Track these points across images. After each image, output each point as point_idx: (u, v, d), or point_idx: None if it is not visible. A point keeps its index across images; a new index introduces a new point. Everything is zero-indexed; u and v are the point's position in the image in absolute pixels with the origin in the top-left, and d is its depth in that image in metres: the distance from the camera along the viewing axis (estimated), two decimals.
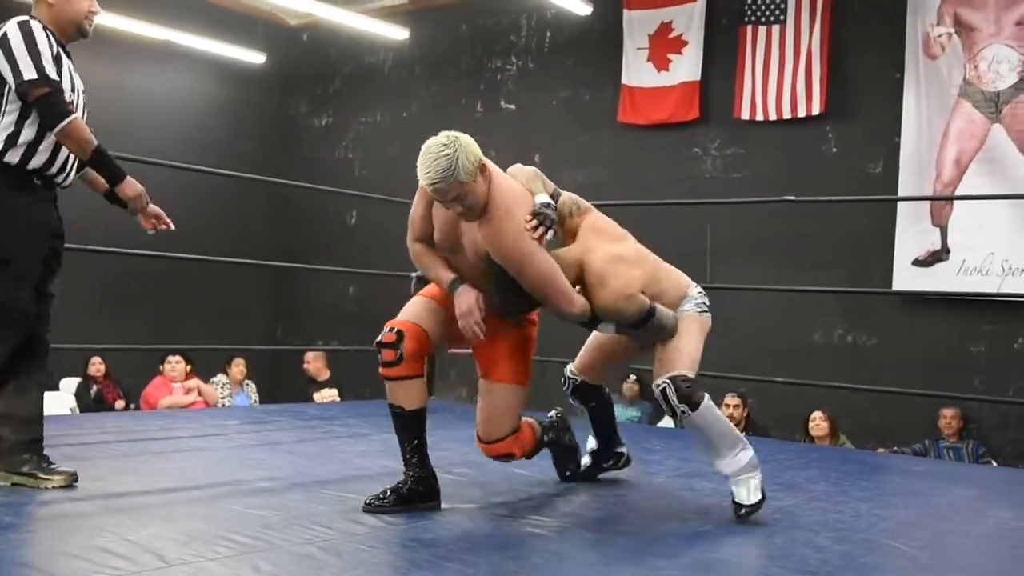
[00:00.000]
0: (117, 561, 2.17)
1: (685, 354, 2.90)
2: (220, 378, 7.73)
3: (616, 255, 2.91)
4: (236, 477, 3.21)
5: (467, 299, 2.81)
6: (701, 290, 3.06)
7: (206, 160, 7.07)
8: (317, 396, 7.61)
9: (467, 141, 2.70)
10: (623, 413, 7.00)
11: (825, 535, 2.76)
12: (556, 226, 2.84)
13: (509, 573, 2.33)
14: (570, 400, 3.36)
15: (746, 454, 2.88)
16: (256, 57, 9.55)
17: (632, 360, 3.39)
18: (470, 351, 3.06)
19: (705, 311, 3.01)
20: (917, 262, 6.74)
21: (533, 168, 3.03)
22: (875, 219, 6.87)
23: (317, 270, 9.14)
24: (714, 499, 3.23)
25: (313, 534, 2.51)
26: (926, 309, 6.76)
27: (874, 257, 6.87)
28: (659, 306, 2.89)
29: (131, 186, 3.03)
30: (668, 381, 2.85)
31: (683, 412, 2.83)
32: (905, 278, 6.75)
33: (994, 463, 6.16)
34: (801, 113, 7.22)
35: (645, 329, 2.89)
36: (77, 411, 7.18)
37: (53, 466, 2.92)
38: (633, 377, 7.40)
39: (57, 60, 2.87)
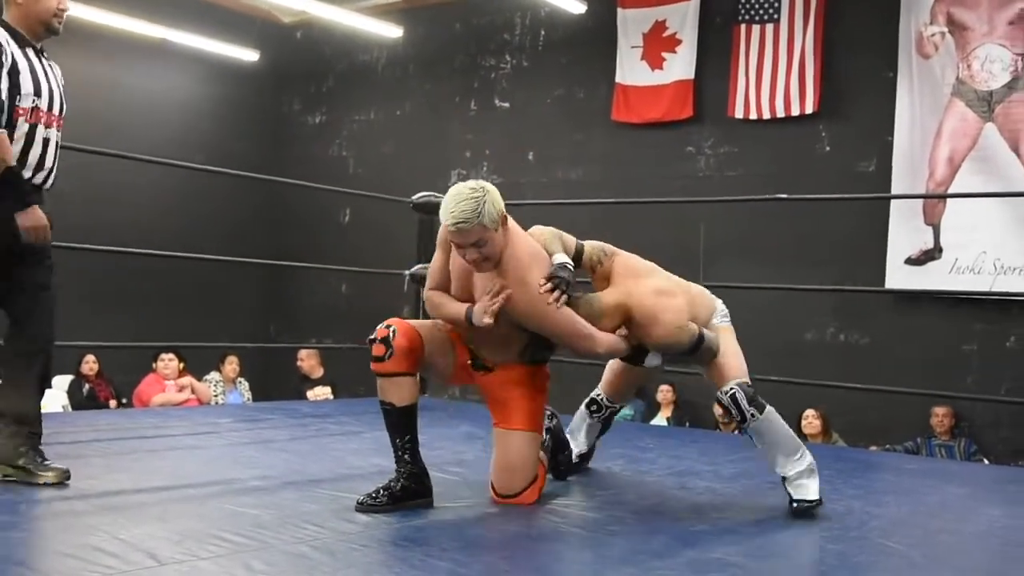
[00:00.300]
0: (109, 560, 2.17)
1: (736, 364, 3.03)
2: (213, 376, 7.73)
3: (657, 289, 2.98)
4: (229, 476, 3.20)
5: (482, 312, 2.84)
6: (722, 302, 3.19)
7: (199, 158, 7.07)
8: (310, 394, 7.61)
9: (494, 191, 2.75)
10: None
11: (818, 533, 2.76)
12: (571, 287, 2.84)
13: (501, 573, 2.33)
14: (588, 413, 3.44)
15: (806, 458, 2.97)
16: (250, 55, 9.54)
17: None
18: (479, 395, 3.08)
19: (728, 320, 3.16)
20: (910, 261, 6.75)
21: (552, 228, 3.06)
22: (868, 218, 6.89)
23: (310, 268, 9.14)
24: (707, 497, 3.24)
25: (306, 533, 2.50)
26: (919, 308, 6.78)
27: (867, 256, 6.88)
28: (704, 330, 2.99)
29: (29, 216, 2.88)
30: (736, 387, 2.95)
31: (752, 415, 2.93)
32: (898, 277, 6.76)
33: (986, 461, 6.17)
34: (795, 112, 7.23)
35: (696, 354, 2.97)
36: (69, 409, 7.17)
37: (47, 463, 2.91)
38: None
39: (12, 70, 2.87)
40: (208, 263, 8.94)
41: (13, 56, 2.90)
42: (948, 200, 6.67)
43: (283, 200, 10.00)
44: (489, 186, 2.75)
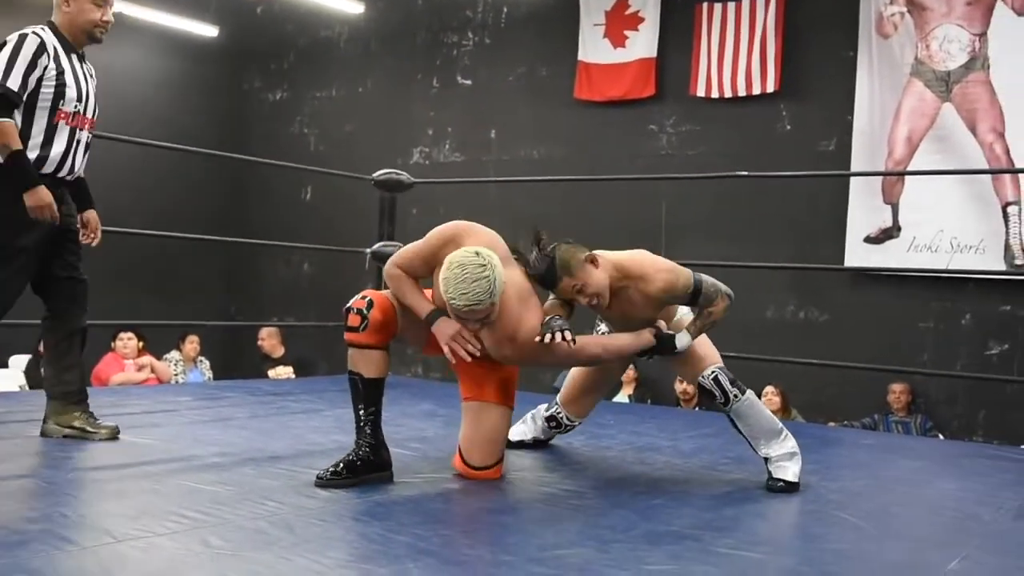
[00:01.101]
0: (65, 532, 2.15)
1: (711, 351, 3.06)
2: (173, 355, 7.67)
3: (630, 252, 2.97)
4: (188, 453, 3.18)
5: (449, 325, 2.76)
6: None
7: (157, 135, 6.96)
8: (272, 373, 7.58)
9: (495, 257, 2.67)
10: None
11: (774, 506, 2.80)
12: (567, 325, 2.81)
13: (461, 547, 2.34)
14: (547, 427, 3.44)
15: (789, 441, 3.01)
16: (209, 30, 9.42)
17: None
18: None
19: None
20: (868, 239, 6.83)
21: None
22: (828, 197, 6.95)
23: (271, 246, 9.08)
24: (666, 472, 3.27)
25: (264, 509, 2.50)
26: (877, 286, 6.86)
27: (827, 234, 6.95)
28: (698, 273, 2.96)
29: (34, 196, 3.11)
30: (718, 370, 2.99)
31: (735, 396, 2.97)
32: (857, 255, 6.84)
33: (941, 436, 6.28)
34: (756, 91, 7.27)
35: (703, 301, 2.93)
36: (27, 389, 7.08)
37: (98, 421, 3.33)
38: None
39: (59, 79, 3.15)
40: (167, 241, 8.86)
41: (61, 64, 3.17)
42: (907, 179, 6.74)
43: (244, 178, 9.91)
44: (490, 254, 2.65)
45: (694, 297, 2.93)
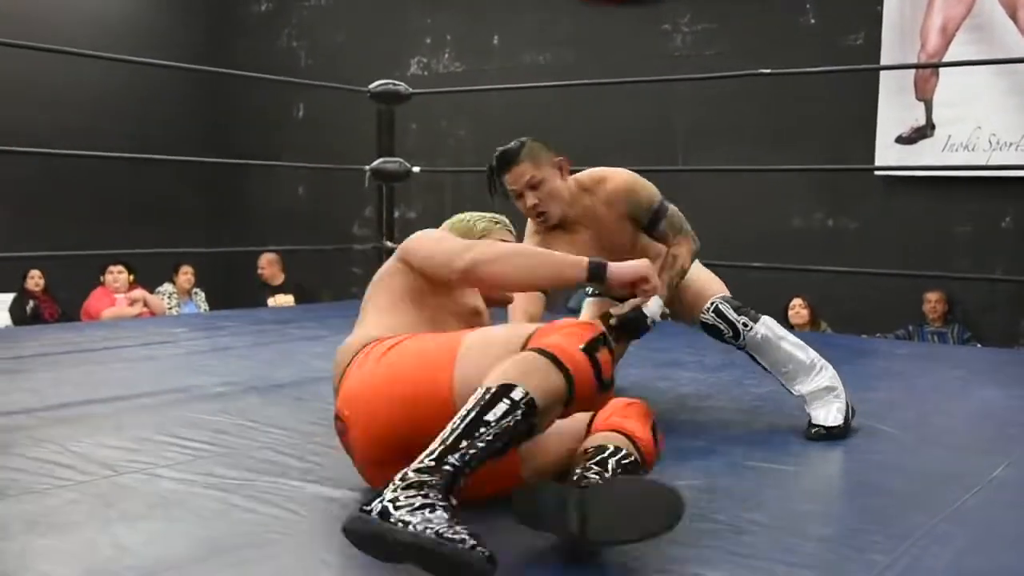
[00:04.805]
0: (64, 472, 2.17)
1: (714, 283, 2.84)
2: (167, 287, 7.68)
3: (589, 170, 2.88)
4: (187, 383, 3.20)
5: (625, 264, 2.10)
6: None
7: (138, 51, 6.87)
8: (271, 302, 7.58)
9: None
10: None
11: (806, 419, 2.80)
12: None
13: None
14: None
15: (826, 373, 2.73)
16: None
17: None
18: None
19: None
20: (900, 139, 6.74)
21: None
22: (856, 95, 6.84)
23: (264, 169, 9.03)
24: (691, 388, 3.27)
25: (270, 437, 2.51)
26: (910, 189, 6.79)
27: (855, 136, 6.85)
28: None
29: None
30: (718, 299, 2.77)
31: (745, 325, 2.73)
32: (888, 157, 6.76)
33: (979, 346, 6.27)
34: None
35: (666, 228, 2.76)
36: (12, 326, 7.11)
37: None
38: None
39: None
40: (157, 170, 8.81)
41: None
42: (941, 73, 6.63)
43: (231, 96, 9.80)
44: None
45: (657, 217, 2.76)
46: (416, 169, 5.61)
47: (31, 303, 7.51)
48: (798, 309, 6.57)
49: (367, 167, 5.56)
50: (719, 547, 1.76)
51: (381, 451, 1.91)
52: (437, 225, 2.38)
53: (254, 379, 3.29)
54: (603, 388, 1.77)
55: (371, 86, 5.56)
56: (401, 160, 5.59)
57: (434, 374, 1.87)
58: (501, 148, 2.74)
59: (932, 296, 6.56)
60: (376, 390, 1.92)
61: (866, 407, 2.97)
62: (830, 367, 2.75)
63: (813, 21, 7.10)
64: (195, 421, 2.66)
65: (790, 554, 1.73)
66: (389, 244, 5.54)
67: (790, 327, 6.46)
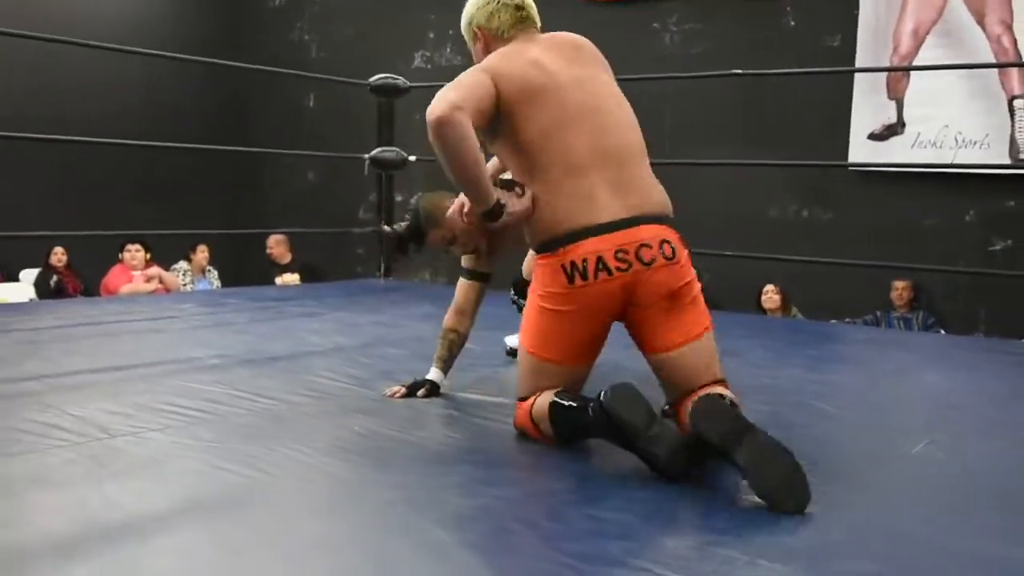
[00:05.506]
0: (61, 433, 2.25)
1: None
2: (182, 264, 7.76)
3: None
4: (186, 355, 3.27)
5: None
6: None
7: (155, 44, 6.93)
8: (279, 280, 7.66)
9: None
10: None
11: (756, 397, 2.86)
12: None
13: (446, 438, 2.42)
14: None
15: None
16: None
17: None
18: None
19: None
20: (872, 136, 6.78)
21: None
22: (832, 94, 6.88)
23: (277, 155, 9.10)
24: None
25: (258, 405, 2.59)
26: (880, 183, 6.83)
27: (830, 133, 6.90)
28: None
29: None
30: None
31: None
32: (861, 152, 6.80)
33: (942, 332, 6.33)
34: None
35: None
36: (37, 300, 7.20)
37: None
38: None
39: None
40: (172, 154, 8.88)
41: None
42: (912, 74, 6.66)
43: (246, 87, 9.86)
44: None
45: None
46: (412, 158, 5.68)
47: (55, 278, 7.60)
48: (771, 295, 6.63)
49: (366, 156, 5.63)
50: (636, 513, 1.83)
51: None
52: None
53: (250, 352, 3.36)
54: None
55: (371, 80, 5.61)
56: (398, 149, 5.65)
57: None
58: (400, 233, 2.77)
59: (899, 284, 6.61)
60: None
61: (815, 388, 3.04)
62: None
63: (793, 23, 7.14)
64: (189, 390, 2.73)
65: (713, 519, 1.81)
66: (387, 228, 5.61)
67: (763, 312, 6.53)
